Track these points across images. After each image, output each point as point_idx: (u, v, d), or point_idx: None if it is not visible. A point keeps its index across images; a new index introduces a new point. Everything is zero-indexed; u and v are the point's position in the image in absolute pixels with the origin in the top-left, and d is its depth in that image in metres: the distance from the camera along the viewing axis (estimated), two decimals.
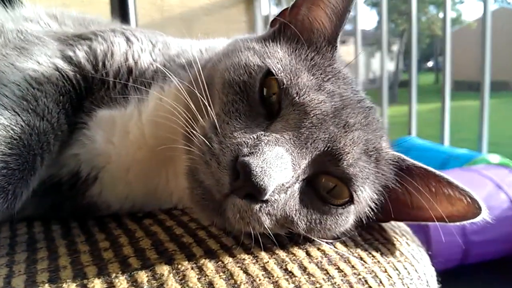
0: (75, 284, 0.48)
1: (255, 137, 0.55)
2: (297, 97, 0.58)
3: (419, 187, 0.62)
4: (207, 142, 0.56)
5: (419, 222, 0.72)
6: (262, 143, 0.53)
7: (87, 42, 0.75)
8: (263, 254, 0.56)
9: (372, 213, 0.63)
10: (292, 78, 0.59)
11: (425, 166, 0.63)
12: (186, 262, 0.53)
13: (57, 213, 0.68)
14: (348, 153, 0.57)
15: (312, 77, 0.61)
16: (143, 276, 0.50)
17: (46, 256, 0.55)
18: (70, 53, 0.71)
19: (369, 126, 0.62)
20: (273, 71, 0.60)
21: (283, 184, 0.53)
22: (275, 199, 0.54)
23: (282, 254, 0.57)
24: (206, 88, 0.61)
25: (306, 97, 0.58)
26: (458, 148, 3.28)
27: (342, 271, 0.56)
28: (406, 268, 0.62)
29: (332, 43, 0.66)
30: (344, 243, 0.63)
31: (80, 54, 0.72)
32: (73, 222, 0.67)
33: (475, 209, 0.60)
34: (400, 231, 0.74)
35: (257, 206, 0.53)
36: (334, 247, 0.61)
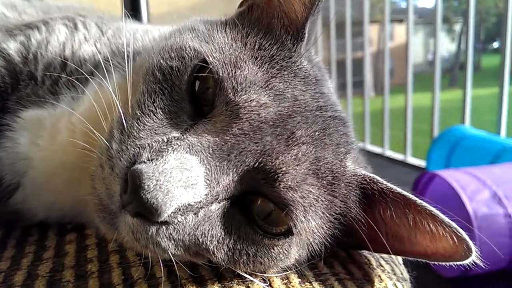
0: None
1: (165, 140, 0.44)
2: (231, 94, 0.46)
3: (394, 218, 0.49)
4: (106, 140, 0.46)
5: (396, 254, 0.59)
6: (170, 148, 0.42)
7: (28, 32, 0.67)
8: None
9: (325, 247, 0.51)
10: (230, 69, 0.47)
11: (403, 192, 0.49)
12: None
13: None
14: (286, 173, 0.45)
15: (258, 71, 0.48)
16: None
17: None
18: (4, 45, 0.64)
19: (325, 141, 0.49)
20: (208, 57, 0.48)
21: (190, 204, 0.42)
22: (178, 221, 0.43)
23: None
24: (129, 75, 0.51)
25: (244, 95, 0.46)
26: None
27: None
28: None
29: (299, 31, 0.52)
30: (287, 279, 0.51)
31: (13, 45, 0.64)
32: None
33: (464, 250, 0.47)
34: (378, 261, 0.60)
35: (152, 229, 0.42)
36: (270, 285, 0.49)
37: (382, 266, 0.60)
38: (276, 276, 0.51)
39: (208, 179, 0.42)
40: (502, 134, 3.10)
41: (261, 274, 0.49)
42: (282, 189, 0.44)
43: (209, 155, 0.43)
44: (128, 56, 0.55)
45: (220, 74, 0.46)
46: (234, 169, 0.44)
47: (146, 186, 0.38)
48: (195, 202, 0.42)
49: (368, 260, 0.60)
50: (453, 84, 7.46)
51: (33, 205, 0.60)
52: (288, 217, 0.45)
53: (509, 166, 2.47)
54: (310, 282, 0.51)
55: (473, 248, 0.46)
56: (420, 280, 0.66)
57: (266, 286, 0.49)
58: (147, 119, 0.45)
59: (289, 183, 0.44)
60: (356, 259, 0.59)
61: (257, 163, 0.44)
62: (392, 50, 4.95)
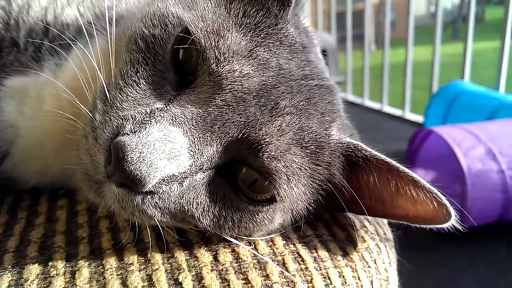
0: None
1: (148, 111, 0.44)
2: (214, 64, 0.45)
3: (377, 183, 0.51)
4: (89, 111, 0.46)
5: (378, 217, 0.60)
6: (153, 120, 0.43)
7: None
8: (157, 258, 0.48)
9: (309, 211, 0.52)
10: (213, 38, 0.46)
11: (386, 159, 0.50)
12: (62, 264, 0.46)
13: None
14: (270, 144, 0.45)
15: (242, 39, 0.47)
16: (5, 280, 0.44)
17: None
18: None
19: (310, 110, 0.49)
20: (190, 26, 0.47)
21: (173, 175, 0.43)
22: (163, 191, 0.44)
23: (181, 257, 0.48)
24: (112, 42, 0.50)
25: (226, 65, 0.45)
26: None
27: (250, 283, 0.47)
28: (343, 277, 0.51)
29: None
30: (272, 242, 0.53)
31: None
32: None
33: (444, 215, 0.48)
34: (362, 223, 0.62)
35: (137, 198, 0.43)
36: (255, 247, 0.51)
37: (365, 227, 0.62)
38: (261, 239, 0.52)
39: (191, 150, 0.43)
40: (501, 90, 3.08)
41: (247, 238, 0.51)
42: (265, 159, 0.45)
43: (192, 126, 0.43)
44: (110, 21, 0.54)
45: (203, 44, 0.45)
46: (218, 140, 0.44)
47: (129, 158, 0.39)
48: (179, 173, 0.43)
49: (353, 221, 0.61)
50: (455, 37, 7.28)
51: (23, 172, 0.61)
52: (272, 185, 0.46)
53: (505, 122, 2.47)
54: (294, 244, 0.53)
55: (453, 212, 0.48)
56: (411, 235, 0.68)
57: (251, 248, 0.51)
58: (130, 90, 0.45)
59: (273, 153, 0.45)
60: (340, 221, 0.60)
61: (240, 134, 0.44)
62: (393, 1, 4.79)
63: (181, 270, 0.46)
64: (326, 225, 0.59)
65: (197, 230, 0.51)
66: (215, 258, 0.49)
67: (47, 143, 0.60)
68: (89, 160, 0.44)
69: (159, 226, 0.45)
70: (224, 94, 0.44)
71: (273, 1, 0.50)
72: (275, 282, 0.47)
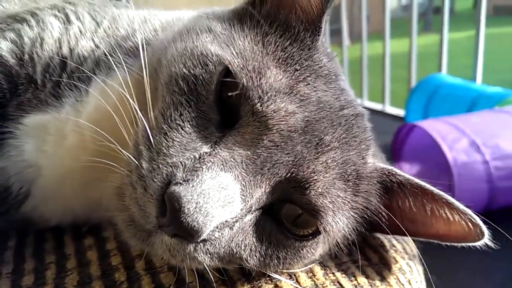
0: None
1: (197, 157, 0.43)
2: (258, 104, 0.44)
3: (412, 207, 0.52)
4: (134, 158, 0.44)
5: (412, 237, 0.61)
6: (203, 167, 0.41)
7: (17, 27, 0.62)
8: None
9: (348, 241, 0.52)
10: (254, 77, 0.45)
11: (421, 182, 0.51)
12: None
13: None
14: (317, 181, 0.45)
15: (282, 76, 0.46)
16: None
17: None
18: None
19: (350, 142, 0.48)
20: (230, 66, 0.45)
21: (226, 221, 0.42)
22: (215, 237, 0.43)
23: None
24: (152, 77, 0.48)
25: (271, 105, 0.44)
26: (491, 83, 3.03)
27: None
28: None
29: (315, 25, 0.50)
30: (311, 272, 0.53)
31: (4, 45, 0.59)
32: (11, 240, 0.59)
33: (477, 234, 0.50)
34: (390, 242, 0.62)
35: (190, 246, 0.42)
36: (297, 281, 0.51)
37: (394, 246, 0.62)
38: (301, 271, 0.52)
39: (243, 195, 0.42)
40: (478, 79, 3.16)
41: (287, 271, 0.51)
42: (312, 196, 0.45)
43: (242, 170, 0.42)
44: (136, 53, 0.52)
45: (245, 83, 0.44)
46: (267, 182, 0.44)
47: (186, 210, 0.38)
48: (231, 218, 0.42)
49: (381, 241, 0.62)
50: (427, 29, 7.45)
51: (44, 212, 0.59)
52: (318, 222, 0.46)
53: (486, 114, 2.55)
54: (333, 273, 0.53)
55: (486, 232, 0.49)
56: None
57: (293, 282, 0.50)
58: (175, 134, 0.44)
59: (319, 190, 0.45)
60: (370, 243, 0.61)
61: (289, 174, 0.44)
62: None
63: None
64: (359, 248, 0.59)
65: (238, 266, 0.50)
66: None
67: (68, 182, 0.58)
68: (137, 210, 0.42)
69: (210, 269, 0.45)
70: (272, 134, 0.43)
71: (305, 32, 0.50)
72: None
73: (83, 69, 0.57)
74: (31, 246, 0.58)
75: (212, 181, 0.40)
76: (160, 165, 0.42)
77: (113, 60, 0.58)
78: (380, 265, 0.57)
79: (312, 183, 0.44)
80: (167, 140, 0.43)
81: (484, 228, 0.49)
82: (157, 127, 0.45)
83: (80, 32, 0.61)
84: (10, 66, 0.57)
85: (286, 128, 0.44)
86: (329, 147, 0.46)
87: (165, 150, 0.43)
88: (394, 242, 0.63)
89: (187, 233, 0.39)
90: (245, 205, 0.43)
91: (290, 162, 0.44)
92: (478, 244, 0.51)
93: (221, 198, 0.40)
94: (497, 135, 2.31)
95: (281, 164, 0.43)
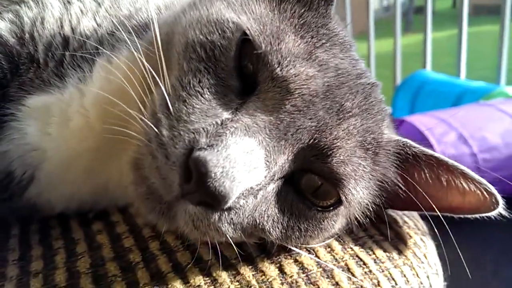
0: None
1: (219, 122, 0.41)
2: (278, 69, 0.43)
3: (428, 179, 0.50)
4: (153, 126, 0.42)
5: (420, 211, 0.61)
6: (227, 132, 0.40)
7: (15, 8, 0.60)
8: (223, 276, 0.45)
9: (366, 214, 0.52)
10: (273, 41, 0.44)
11: (435, 154, 0.50)
12: None
13: None
14: (340, 148, 0.44)
15: (300, 42, 0.46)
16: None
17: None
18: None
19: (370, 110, 0.48)
20: (248, 31, 0.45)
21: (251, 187, 0.41)
22: (240, 206, 0.42)
23: (248, 273, 0.46)
24: (162, 49, 0.46)
25: (291, 69, 0.43)
26: (475, 80, 3.08)
27: None
28: (405, 276, 0.51)
29: None
30: (329, 247, 0.52)
31: (3, 25, 0.57)
32: (14, 229, 0.57)
33: (491, 203, 0.50)
34: (402, 218, 0.62)
35: (215, 215, 0.41)
36: (316, 255, 0.50)
37: (406, 222, 0.62)
38: (320, 246, 0.51)
39: (267, 161, 0.41)
40: (462, 77, 3.22)
41: (305, 246, 0.50)
42: (334, 164, 0.44)
43: (266, 136, 0.41)
44: (149, 29, 0.51)
45: (263, 48, 0.43)
46: (290, 148, 0.42)
47: (212, 174, 0.36)
48: (256, 185, 0.41)
49: (394, 218, 0.61)
50: (408, 29, 7.55)
51: (50, 198, 0.57)
52: (340, 191, 0.45)
53: (472, 107, 2.59)
54: (351, 248, 0.52)
55: (500, 200, 0.49)
56: None
57: (313, 256, 0.49)
58: (195, 101, 0.42)
59: (341, 157, 0.44)
60: (383, 219, 0.60)
61: (311, 140, 0.43)
62: None
63: (252, 287, 0.44)
64: (373, 224, 0.58)
65: (256, 243, 0.49)
66: (281, 270, 0.47)
67: (74, 165, 0.56)
68: (159, 180, 0.41)
69: (231, 242, 0.43)
70: (294, 99, 0.43)
71: (320, 0, 0.49)
72: None
73: (86, 48, 0.56)
74: (36, 234, 0.56)
75: (237, 146, 0.39)
76: (182, 132, 0.40)
77: (117, 39, 0.56)
78: (396, 239, 0.57)
79: (334, 150, 0.43)
80: (186, 107, 0.42)
81: (499, 197, 0.49)
82: (175, 95, 0.43)
83: (81, 11, 0.59)
84: (10, 46, 0.55)
85: (308, 92, 0.43)
86: (350, 114, 0.45)
87: (185, 117, 0.41)
88: (406, 218, 0.63)
89: (214, 199, 0.37)
90: (269, 172, 0.41)
91: (313, 127, 0.43)
92: (492, 214, 0.51)
93: (246, 163, 0.39)
94: (483, 127, 2.35)
95: (304, 130, 0.43)
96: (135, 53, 0.48)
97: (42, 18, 0.57)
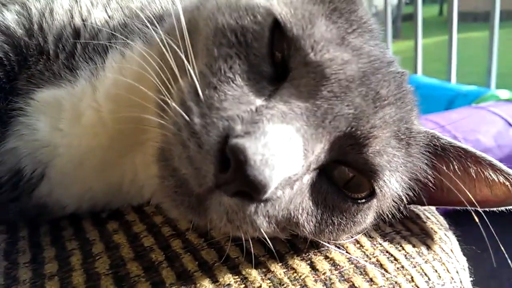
0: None
1: (254, 109, 0.39)
2: (312, 54, 0.41)
3: (457, 172, 0.49)
4: (184, 114, 0.39)
5: (446, 206, 0.59)
6: (264, 118, 0.38)
7: (21, 0, 0.57)
8: (254, 274, 0.43)
9: (398, 208, 0.50)
10: (305, 26, 0.42)
11: (463, 145, 0.49)
12: None
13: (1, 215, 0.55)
14: (376, 138, 0.42)
15: (332, 27, 0.44)
16: None
17: None
18: None
19: (403, 99, 0.46)
20: (279, 17, 0.43)
21: (290, 177, 0.39)
22: (277, 197, 0.39)
23: (279, 271, 0.44)
24: (187, 37, 0.44)
25: (325, 53, 0.41)
26: (466, 84, 3.12)
27: None
28: (436, 271, 0.49)
29: None
30: (358, 243, 0.50)
31: (10, 16, 0.54)
32: (22, 231, 0.54)
33: None
34: (424, 214, 0.60)
35: (252, 208, 0.38)
36: (347, 251, 0.48)
37: (429, 218, 0.60)
38: (349, 242, 0.49)
39: (306, 149, 0.39)
40: (453, 81, 3.25)
41: (334, 242, 0.48)
42: (370, 154, 0.42)
43: (304, 123, 0.39)
44: (164, 21, 0.49)
45: (295, 33, 0.42)
46: (327, 136, 0.40)
47: (252, 162, 0.34)
48: (293, 175, 0.39)
49: (417, 214, 0.60)
50: (397, 36, 7.64)
51: (61, 197, 0.54)
52: (375, 183, 0.43)
53: (464, 110, 2.61)
54: (380, 244, 0.51)
55: None
56: None
57: (344, 252, 0.47)
58: (226, 88, 0.40)
59: (377, 147, 0.42)
60: (407, 215, 0.58)
61: (348, 128, 0.41)
62: None
63: (285, 285, 0.42)
64: (398, 219, 0.56)
65: (285, 239, 0.47)
66: (312, 267, 0.45)
67: (87, 162, 0.53)
68: (191, 170, 0.38)
69: (265, 236, 0.41)
70: (330, 84, 0.41)
71: None
72: (382, 286, 0.44)
73: (98, 40, 0.53)
74: (47, 235, 0.52)
75: (275, 133, 0.36)
76: (215, 119, 0.38)
77: (130, 30, 0.54)
78: (422, 235, 0.55)
79: (371, 139, 0.42)
80: (218, 94, 0.39)
81: None
82: (205, 82, 0.41)
83: (92, 3, 0.57)
84: (18, 37, 0.52)
85: (344, 77, 0.41)
86: (386, 102, 0.43)
87: (217, 104, 0.39)
88: (428, 214, 0.61)
89: (253, 188, 0.35)
90: (306, 161, 0.39)
91: (351, 115, 0.41)
92: None
93: (285, 151, 0.36)
94: (477, 130, 2.37)
95: (342, 117, 0.41)
96: (159, 41, 0.45)
97: (51, 9, 0.55)
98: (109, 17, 0.57)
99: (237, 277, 0.43)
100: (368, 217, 0.47)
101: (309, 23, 0.42)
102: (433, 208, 0.66)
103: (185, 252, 0.46)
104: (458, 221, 0.62)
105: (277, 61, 0.43)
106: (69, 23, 0.54)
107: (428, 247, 0.53)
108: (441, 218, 0.64)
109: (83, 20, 0.55)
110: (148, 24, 0.52)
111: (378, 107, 0.43)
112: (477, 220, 0.50)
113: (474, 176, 0.50)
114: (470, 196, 0.51)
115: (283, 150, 0.36)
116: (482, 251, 0.59)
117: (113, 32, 0.55)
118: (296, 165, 0.38)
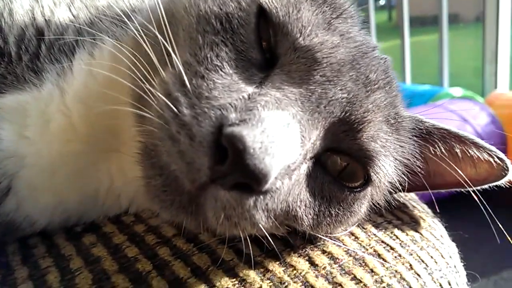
0: None
1: (246, 97, 0.37)
2: (301, 38, 0.40)
3: (443, 153, 0.49)
4: (171, 106, 0.36)
5: (431, 190, 0.59)
6: (258, 105, 0.35)
7: None
8: (252, 275, 0.40)
9: (392, 195, 0.49)
10: (291, 10, 0.41)
11: (446, 126, 0.49)
12: None
13: None
14: (370, 122, 0.41)
15: (317, 11, 0.43)
16: None
17: None
18: None
19: (390, 84, 0.46)
20: (262, 1, 0.41)
21: (288, 166, 0.36)
22: (276, 188, 0.37)
23: (278, 269, 0.41)
24: (167, 27, 0.41)
25: (314, 37, 0.40)
26: (420, 84, 3.23)
27: (361, 281, 0.41)
28: (432, 257, 0.49)
29: None
30: (353, 235, 0.48)
31: None
32: None
33: (501, 171, 0.49)
34: (410, 203, 0.60)
35: (250, 201, 0.35)
36: (343, 243, 0.46)
37: (415, 207, 0.60)
38: (344, 235, 0.48)
39: (303, 136, 0.37)
40: (408, 82, 3.37)
41: (330, 235, 0.46)
42: (364, 140, 0.41)
43: (299, 108, 0.37)
44: (134, 17, 0.47)
45: (281, 18, 0.40)
46: (323, 122, 0.39)
47: (251, 150, 0.31)
48: (292, 163, 0.36)
49: (403, 203, 0.59)
50: None
51: (31, 211, 0.49)
52: (371, 169, 0.42)
53: (422, 109, 2.69)
54: (374, 234, 0.49)
55: (510, 166, 0.49)
56: None
57: (341, 245, 0.46)
58: (215, 76, 0.38)
59: (371, 132, 0.41)
60: (394, 204, 0.58)
61: (343, 113, 0.40)
62: None
63: (286, 283, 0.40)
64: (387, 209, 0.55)
65: (279, 236, 0.44)
66: (311, 262, 0.43)
67: (58, 171, 0.49)
68: (182, 165, 0.35)
69: (264, 233, 0.38)
70: (322, 69, 0.39)
71: None
72: (383, 276, 0.43)
73: (64, 40, 0.50)
74: (16, 255, 0.47)
75: (272, 120, 0.34)
76: (206, 109, 0.35)
77: (98, 29, 0.51)
78: (413, 223, 0.54)
79: (365, 124, 0.41)
80: (206, 83, 0.37)
81: (509, 162, 0.49)
82: (191, 71, 0.38)
83: (54, 3, 0.53)
84: None
85: (336, 61, 0.40)
86: (376, 86, 0.43)
87: (206, 93, 0.36)
88: (413, 203, 0.61)
89: (254, 178, 0.32)
90: (303, 149, 0.37)
91: (344, 99, 0.40)
92: (502, 181, 0.50)
93: (284, 138, 0.34)
94: None
95: (337, 101, 0.39)
96: (136, 34, 0.43)
97: (10, 9, 0.50)
98: (73, 16, 0.53)
99: (234, 279, 0.40)
100: (363, 206, 0.45)
101: (294, 8, 0.41)
102: (415, 197, 0.66)
103: (174, 259, 0.43)
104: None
105: (266, 47, 0.41)
106: (31, 23, 0.50)
107: (421, 235, 0.52)
108: (426, 206, 0.64)
109: (46, 20, 0.51)
110: (117, 22, 0.49)
111: (370, 91, 0.42)
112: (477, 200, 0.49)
113: (460, 155, 0.50)
114: (457, 177, 0.51)
115: (281, 137, 0.34)
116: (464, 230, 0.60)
117: (79, 32, 0.51)
118: (295, 153, 0.36)
